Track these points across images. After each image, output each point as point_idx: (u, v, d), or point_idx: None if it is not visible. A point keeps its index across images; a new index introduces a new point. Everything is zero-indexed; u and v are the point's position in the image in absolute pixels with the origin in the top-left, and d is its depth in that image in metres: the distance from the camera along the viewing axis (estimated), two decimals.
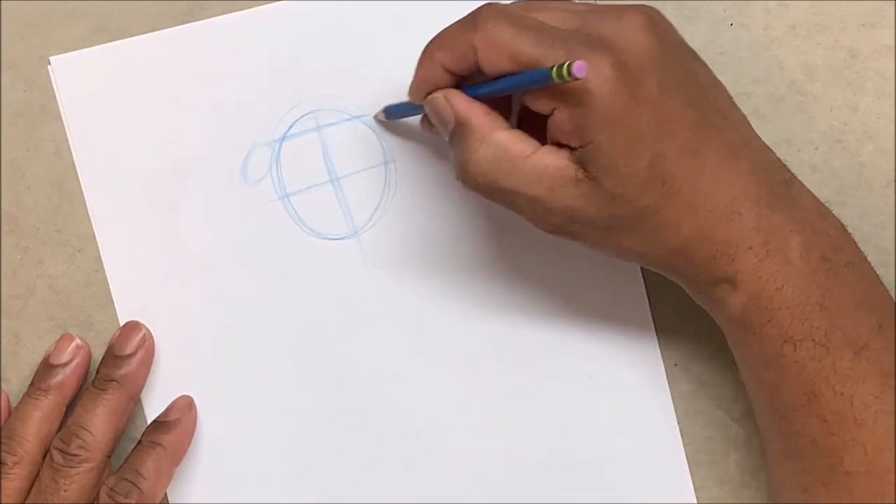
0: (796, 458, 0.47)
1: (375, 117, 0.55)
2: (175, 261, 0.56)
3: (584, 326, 0.55)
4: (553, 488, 0.55)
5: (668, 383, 0.55)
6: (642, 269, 0.55)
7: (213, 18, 0.56)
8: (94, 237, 0.56)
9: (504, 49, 0.45)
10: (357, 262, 0.56)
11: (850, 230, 0.54)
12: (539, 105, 0.46)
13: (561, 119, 0.45)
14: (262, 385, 0.56)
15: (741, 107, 0.54)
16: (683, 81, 0.46)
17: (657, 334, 0.55)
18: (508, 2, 0.49)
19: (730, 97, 0.49)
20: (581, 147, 0.45)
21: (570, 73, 0.42)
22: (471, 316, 0.56)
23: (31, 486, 0.53)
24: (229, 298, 0.56)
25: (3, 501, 0.52)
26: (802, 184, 0.49)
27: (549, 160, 0.46)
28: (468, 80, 0.49)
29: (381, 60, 0.55)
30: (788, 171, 0.49)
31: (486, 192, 0.47)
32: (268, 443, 0.56)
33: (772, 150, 0.49)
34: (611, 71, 0.44)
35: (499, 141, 0.47)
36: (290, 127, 0.56)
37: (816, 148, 0.54)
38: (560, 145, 0.46)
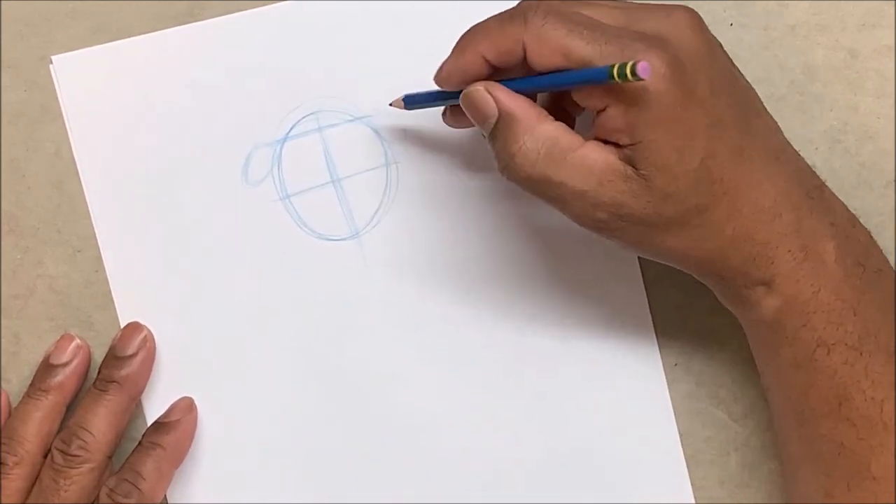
0: (820, 462, 0.47)
1: (391, 104, 0.54)
2: (175, 261, 0.56)
3: (584, 328, 0.55)
4: (552, 488, 0.55)
5: (668, 383, 0.55)
6: (642, 270, 0.55)
7: (216, 18, 0.56)
8: (94, 237, 0.56)
9: (557, 46, 0.45)
10: (357, 263, 0.56)
11: None
12: (591, 101, 0.46)
13: (614, 116, 0.45)
14: (262, 385, 0.56)
15: None
16: (729, 83, 0.46)
17: (657, 334, 0.55)
18: None
19: (762, 103, 0.49)
20: (632, 145, 0.45)
21: (633, 74, 0.41)
22: (469, 318, 0.55)
23: (32, 486, 0.53)
24: (229, 299, 0.56)
25: (3, 501, 0.52)
26: (832, 191, 0.49)
27: (599, 154, 0.45)
28: (504, 73, 0.48)
29: (384, 62, 0.55)
30: (818, 177, 0.49)
31: (534, 183, 0.47)
32: (267, 443, 0.56)
33: (803, 158, 0.49)
34: (667, 69, 0.44)
35: (547, 133, 0.46)
36: (292, 128, 0.56)
37: (816, 148, 0.54)
38: (606, 142, 0.46)
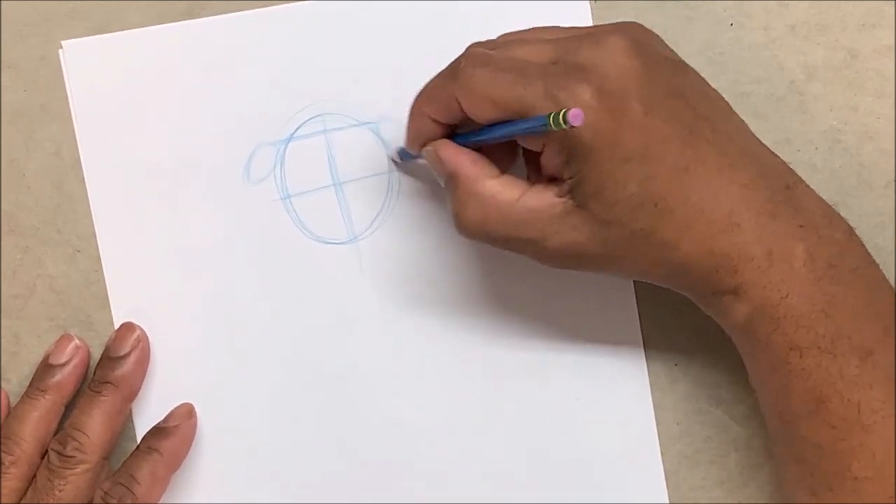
0: (804, 462, 0.47)
1: (391, 158, 0.56)
2: (172, 260, 0.56)
3: (575, 342, 0.55)
4: (536, 490, 0.55)
5: (668, 383, 0.55)
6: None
7: (230, 14, 0.55)
8: (94, 237, 0.56)
9: (485, 96, 0.46)
10: (353, 268, 0.56)
11: None
12: (530, 144, 0.47)
13: (551, 154, 0.46)
14: (256, 387, 0.56)
15: (741, 107, 0.54)
16: (670, 98, 0.46)
17: (657, 335, 0.55)
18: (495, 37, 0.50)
19: (726, 105, 0.49)
20: (570, 178, 0.46)
21: (565, 122, 0.42)
22: (461, 329, 0.55)
23: (28, 486, 0.53)
24: (226, 299, 0.56)
25: None
26: (808, 186, 0.48)
27: (536, 201, 0.47)
28: (465, 126, 0.49)
29: (394, 67, 0.55)
30: (793, 174, 0.48)
31: (483, 240, 0.48)
32: (261, 445, 0.56)
33: (774, 154, 0.49)
34: (591, 99, 0.44)
35: (486, 191, 0.47)
36: (298, 128, 0.56)
37: (816, 148, 0.54)
38: (556, 178, 0.47)
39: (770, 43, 0.55)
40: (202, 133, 0.56)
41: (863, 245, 0.48)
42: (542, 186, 0.47)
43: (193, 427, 0.55)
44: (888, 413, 0.45)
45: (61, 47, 0.56)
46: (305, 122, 0.56)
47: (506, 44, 0.48)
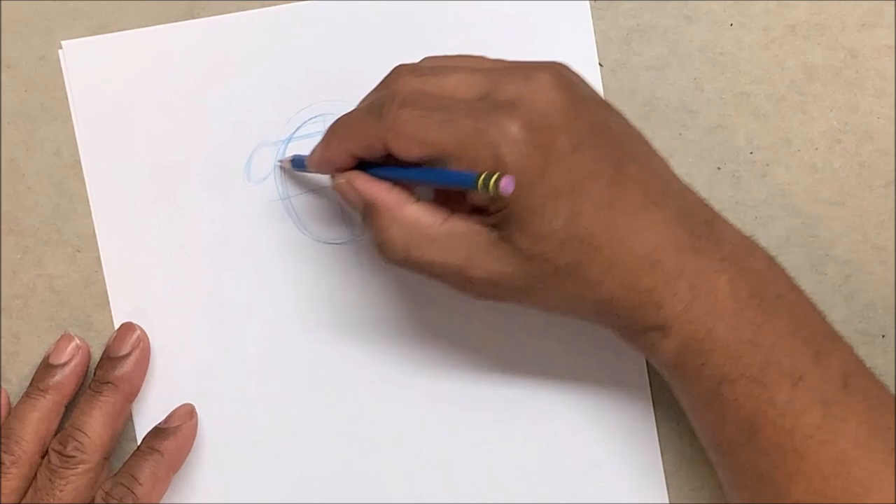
0: (745, 489, 0.47)
1: (279, 163, 0.55)
2: (172, 260, 0.56)
3: (575, 343, 0.55)
4: (536, 496, 0.55)
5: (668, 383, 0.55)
6: None
7: (230, 14, 0.55)
8: (94, 237, 0.56)
9: (411, 136, 0.45)
10: (354, 268, 0.56)
11: (850, 230, 0.54)
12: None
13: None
14: (256, 388, 0.56)
15: (741, 107, 0.54)
16: (597, 135, 0.46)
17: None
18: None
19: (647, 143, 0.49)
20: (497, 212, 0.45)
21: (496, 186, 0.42)
22: (463, 327, 0.55)
23: (29, 486, 0.53)
24: (226, 299, 0.56)
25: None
26: (726, 220, 0.48)
27: (461, 227, 0.46)
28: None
29: (393, 66, 0.55)
30: (711, 209, 0.48)
31: (408, 267, 0.48)
32: (262, 446, 0.56)
33: (693, 191, 0.49)
34: (520, 134, 0.44)
35: (408, 216, 0.47)
36: (298, 129, 0.56)
37: (816, 148, 0.54)
38: (480, 209, 0.47)
39: (770, 43, 0.55)
40: (202, 133, 0.56)
41: (785, 272, 0.48)
42: (466, 213, 0.47)
43: (194, 427, 0.55)
44: (822, 438, 0.45)
45: (61, 47, 0.56)
46: (305, 122, 0.56)
47: (434, 71, 0.47)
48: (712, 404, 0.46)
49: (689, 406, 0.49)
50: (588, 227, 0.45)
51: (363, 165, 0.49)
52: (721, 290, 0.46)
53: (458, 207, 0.48)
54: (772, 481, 0.45)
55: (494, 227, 0.46)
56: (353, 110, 0.49)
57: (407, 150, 0.46)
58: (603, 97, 0.49)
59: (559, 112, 0.45)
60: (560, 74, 0.46)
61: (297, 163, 0.54)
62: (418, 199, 0.48)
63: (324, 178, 0.55)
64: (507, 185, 0.42)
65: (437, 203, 0.48)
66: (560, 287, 0.46)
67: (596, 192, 0.45)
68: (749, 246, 0.48)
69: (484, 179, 0.42)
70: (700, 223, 0.47)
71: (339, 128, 0.49)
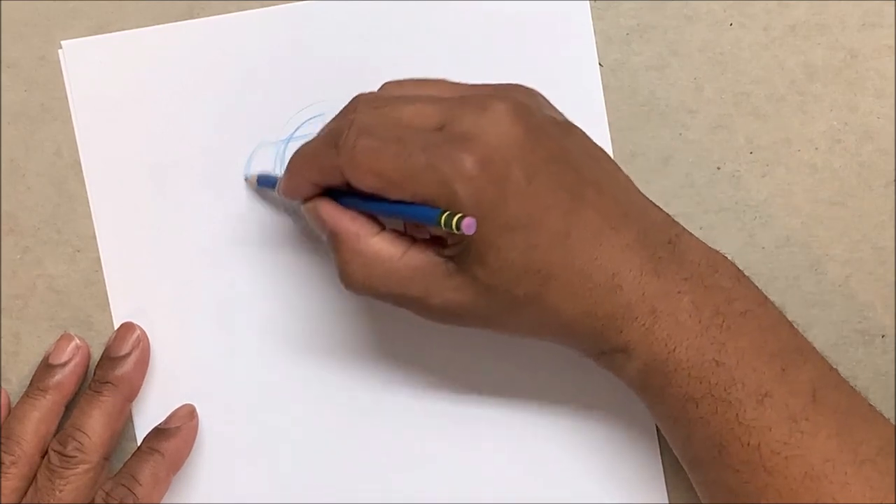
0: (717, 501, 0.47)
1: (247, 181, 0.55)
2: (172, 260, 0.56)
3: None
4: (536, 496, 0.55)
5: None
6: None
7: (230, 14, 0.55)
8: (94, 237, 0.56)
9: (368, 168, 0.45)
10: None
11: (850, 230, 0.54)
12: None
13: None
14: (256, 388, 0.56)
15: (741, 107, 0.54)
16: (553, 163, 0.46)
17: None
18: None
19: (608, 162, 0.49)
20: (454, 244, 0.46)
21: (458, 227, 0.42)
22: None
23: (29, 486, 0.53)
24: (226, 299, 0.56)
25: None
26: (691, 236, 0.48)
27: (419, 259, 0.47)
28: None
29: (394, 67, 0.55)
30: (675, 226, 0.48)
31: (370, 296, 0.48)
32: (262, 446, 0.56)
33: (658, 209, 0.49)
34: (473, 169, 0.44)
35: (369, 249, 0.47)
36: (298, 128, 0.56)
37: (816, 148, 0.54)
38: (438, 238, 0.47)
39: (770, 43, 0.54)
40: (202, 133, 0.56)
41: (753, 286, 0.48)
42: (425, 244, 0.47)
43: (195, 428, 0.55)
44: (790, 454, 0.44)
45: (61, 47, 0.56)
46: (305, 122, 0.56)
47: (391, 101, 0.47)
48: (679, 422, 0.46)
49: (658, 422, 0.49)
50: (544, 258, 0.45)
51: (335, 192, 0.49)
52: (683, 311, 0.45)
53: (420, 232, 0.48)
54: (742, 495, 0.45)
55: (451, 258, 0.46)
56: (313, 139, 0.49)
57: (362, 180, 0.46)
58: (563, 118, 0.49)
59: (514, 144, 0.45)
60: (517, 101, 0.46)
61: (264, 181, 0.54)
62: (381, 230, 0.48)
63: None
64: (468, 225, 0.42)
65: (398, 232, 0.48)
66: (520, 314, 0.47)
67: (552, 222, 0.45)
68: (714, 262, 0.47)
69: (446, 218, 0.42)
70: (662, 243, 0.47)
71: (300, 158, 0.49)
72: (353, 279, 0.48)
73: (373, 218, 0.48)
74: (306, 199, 0.49)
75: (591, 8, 0.55)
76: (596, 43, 0.55)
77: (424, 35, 0.55)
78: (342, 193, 0.49)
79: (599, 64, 0.55)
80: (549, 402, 0.55)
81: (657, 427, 0.54)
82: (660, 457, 0.55)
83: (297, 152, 0.49)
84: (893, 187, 0.54)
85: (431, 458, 0.55)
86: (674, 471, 0.55)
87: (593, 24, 0.55)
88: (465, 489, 0.55)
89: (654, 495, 0.55)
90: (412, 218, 0.46)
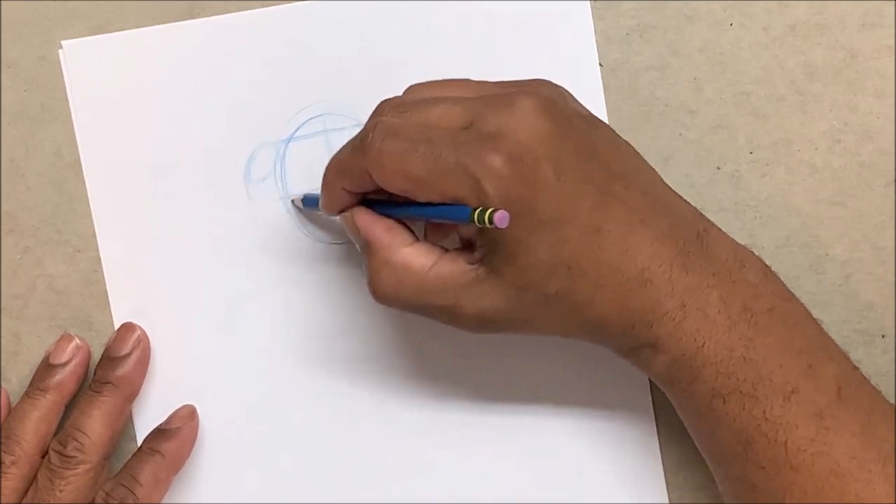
0: (741, 499, 0.47)
1: (293, 203, 0.56)
2: (173, 260, 0.56)
3: (576, 344, 0.55)
4: (536, 496, 0.55)
5: None
6: None
7: (230, 14, 0.55)
8: (94, 237, 0.56)
9: (396, 169, 0.45)
10: (354, 268, 0.56)
11: (850, 230, 0.54)
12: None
13: (465, 224, 0.46)
14: (256, 388, 0.56)
15: (741, 107, 0.54)
16: (581, 158, 0.46)
17: None
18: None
19: (637, 158, 0.49)
20: (482, 246, 0.46)
21: (490, 221, 0.42)
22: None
23: (29, 486, 0.53)
24: (226, 299, 0.56)
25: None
26: (719, 230, 0.48)
27: (449, 268, 0.46)
28: (380, 192, 0.48)
29: (394, 67, 0.55)
30: (703, 220, 0.48)
31: (398, 307, 0.48)
32: (263, 447, 0.56)
33: (684, 202, 0.48)
34: (503, 168, 0.44)
35: (399, 260, 0.47)
36: (298, 128, 0.56)
37: (816, 148, 0.54)
38: (471, 243, 0.47)
39: (770, 43, 0.54)
40: (202, 133, 0.56)
41: (779, 282, 0.48)
42: (456, 253, 0.47)
43: (195, 429, 0.55)
44: (816, 450, 0.45)
45: (61, 47, 0.56)
46: (305, 122, 0.56)
47: (416, 104, 0.47)
48: (705, 417, 0.46)
49: (684, 417, 0.49)
50: (574, 254, 0.45)
51: (372, 201, 0.49)
52: (712, 306, 0.46)
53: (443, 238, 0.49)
54: (767, 492, 0.45)
55: (481, 261, 0.46)
56: (342, 148, 0.49)
57: (391, 182, 0.46)
58: (589, 112, 0.49)
59: (542, 140, 0.45)
60: (543, 96, 0.46)
61: (310, 201, 0.54)
62: (414, 241, 0.48)
63: None
64: (501, 218, 0.42)
65: (430, 244, 0.48)
66: (551, 313, 0.46)
67: (581, 217, 0.45)
68: (742, 257, 0.47)
69: (479, 214, 0.42)
70: (691, 238, 0.47)
71: (331, 168, 0.49)
72: (382, 290, 0.48)
73: (408, 229, 0.48)
74: (341, 210, 0.49)
75: (592, 8, 0.55)
76: (596, 43, 0.55)
77: (424, 35, 0.55)
78: (378, 202, 0.48)
79: (599, 64, 0.55)
80: (549, 403, 0.55)
81: (657, 427, 0.55)
82: (660, 457, 0.55)
83: (329, 162, 0.49)
84: (893, 187, 0.54)
85: (431, 458, 0.55)
86: (674, 471, 0.55)
87: (593, 24, 0.55)
88: (465, 489, 0.55)
89: (655, 495, 0.55)
90: (444, 218, 0.46)
